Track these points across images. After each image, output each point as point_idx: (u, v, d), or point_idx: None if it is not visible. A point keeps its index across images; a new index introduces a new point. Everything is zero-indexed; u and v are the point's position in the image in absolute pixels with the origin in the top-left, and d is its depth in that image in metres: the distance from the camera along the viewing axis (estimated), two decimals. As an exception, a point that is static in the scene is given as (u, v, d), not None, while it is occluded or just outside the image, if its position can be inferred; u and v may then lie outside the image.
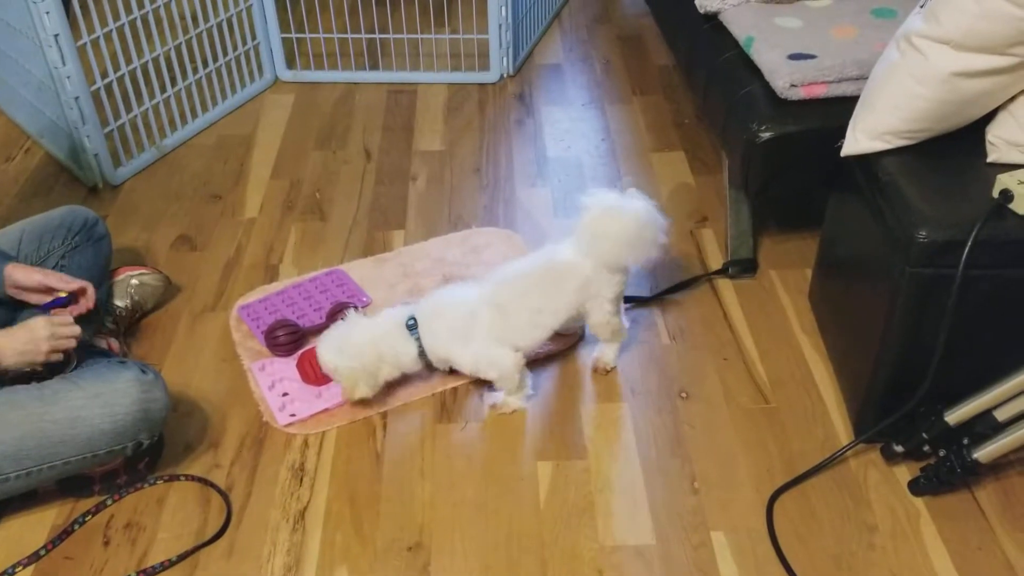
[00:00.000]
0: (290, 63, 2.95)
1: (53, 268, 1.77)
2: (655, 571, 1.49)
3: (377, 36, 3.02)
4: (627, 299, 2.02)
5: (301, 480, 1.66)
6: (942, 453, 1.55)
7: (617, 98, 2.84)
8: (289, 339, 1.88)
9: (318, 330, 1.92)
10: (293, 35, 2.96)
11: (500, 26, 2.85)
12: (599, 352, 1.86)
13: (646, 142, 2.62)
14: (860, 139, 1.60)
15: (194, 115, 2.68)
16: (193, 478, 1.65)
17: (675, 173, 2.48)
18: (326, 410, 1.77)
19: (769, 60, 1.87)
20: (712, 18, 2.17)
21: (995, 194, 1.44)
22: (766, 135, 1.80)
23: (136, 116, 2.51)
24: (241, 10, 2.75)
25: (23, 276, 1.61)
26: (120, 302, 1.94)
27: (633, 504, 1.60)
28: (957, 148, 1.56)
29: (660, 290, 2.05)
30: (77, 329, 1.55)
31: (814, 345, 1.90)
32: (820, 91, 1.81)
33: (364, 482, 1.65)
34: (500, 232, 2.26)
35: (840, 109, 1.79)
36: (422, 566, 1.51)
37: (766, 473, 1.64)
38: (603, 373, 1.84)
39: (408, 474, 1.66)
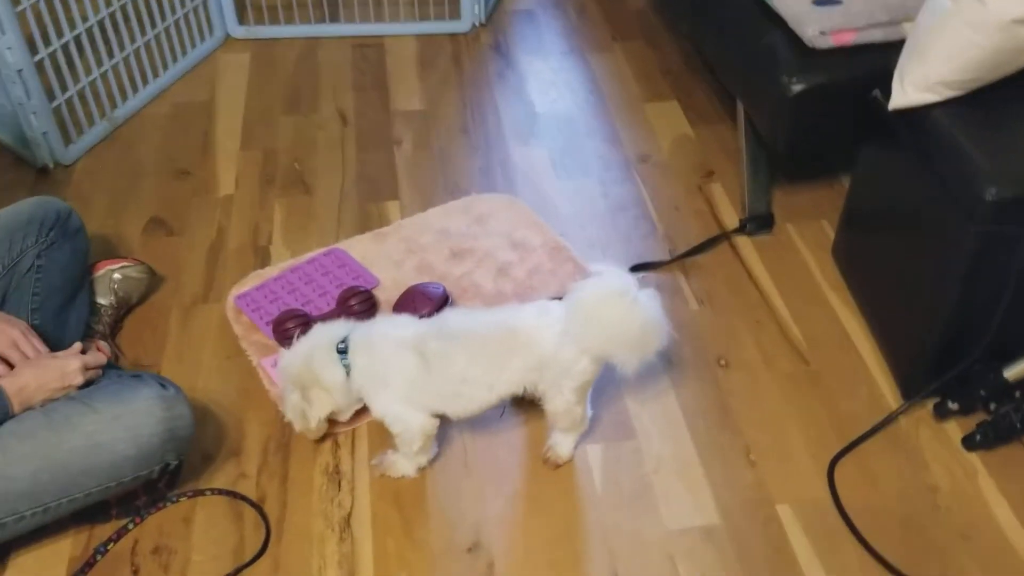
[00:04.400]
0: (242, 18, 2.72)
1: (28, 269, 1.59)
2: (727, 553, 1.44)
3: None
4: (646, 265, 1.94)
5: (339, 484, 1.54)
6: (1000, 409, 1.53)
7: (597, 46, 2.71)
8: (301, 331, 1.72)
9: (329, 318, 1.79)
10: (243, -12, 2.73)
11: (469, -28, 2.69)
12: (553, 441, 1.55)
13: (636, 92, 2.51)
14: (909, 91, 1.54)
15: (144, 81, 2.45)
16: (220, 492, 1.51)
17: (672, 124, 2.39)
18: (352, 405, 1.65)
19: (793, 7, 1.78)
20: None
21: (1059, 146, 1.40)
22: (798, 87, 1.72)
23: (84, 87, 2.28)
24: (187, -37, 2.51)
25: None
26: (103, 300, 1.76)
27: (692, 483, 1.54)
28: (1007, 97, 1.51)
29: (679, 253, 1.98)
30: (104, 357, 1.39)
31: (843, 301, 1.86)
32: (849, 38, 1.74)
33: (406, 481, 1.55)
34: (502, 198, 2.14)
35: (869, 57, 1.73)
36: (486, 568, 1.42)
37: (819, 439, 1.60)
38: (553, 468, 1.55)
39: (451, 469, 1.57)
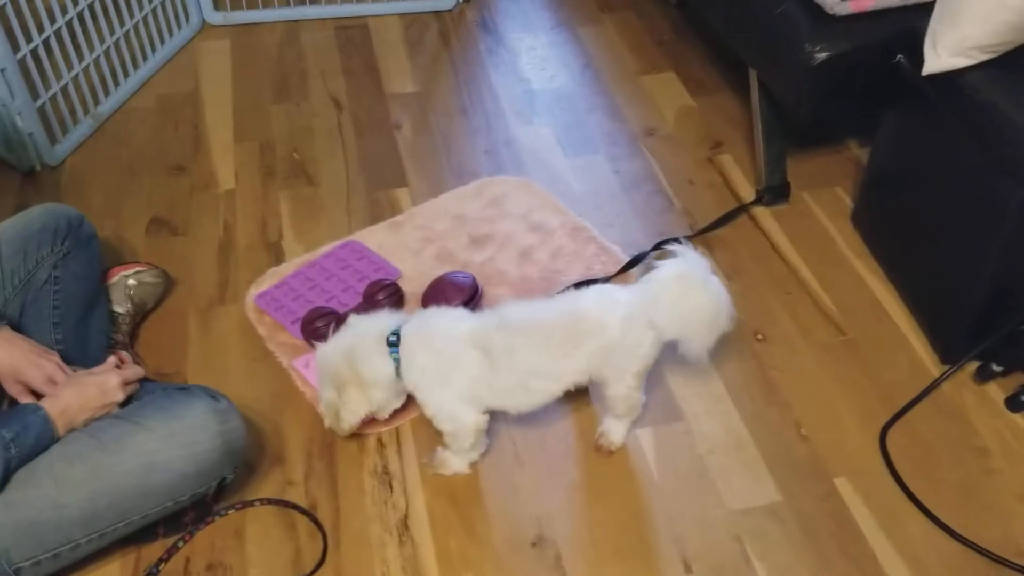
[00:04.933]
0: (217, 3, 2.61)
1: (45, 281, 1.50)
2: (792, 529, 1.44)
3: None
4: (665, 241, 1.92)
5: (391, 486, 1.50)
6: (1043, 369, 1.55)
7: (586, 18, 2.66)
8: (330, 329, 1.66)
9: (357, 313, 1.73)
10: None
11: (453, -53, 2.61)
12: (605, 427, 1.53)
13: (631, 65, 2.47)
14: (943, 56, 1.53)
15: (125, 73, 2.33)
16: (270, 501, 1.46)
17: (673, 96, 2.36)
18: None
19: (809, -27, 1.76)
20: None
21: (1101, 105, 1.40)
22: (821, 56, 1.70)
23: (68, 83, 2.16)
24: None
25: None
26: (120, 308, 1.68)
27: (747, 461, 1.53)
28: (1040, 58, 1.52)
29: (700, 228, 1.96)
30: (141, 370, 1.32)
31: (869, 268, 1.86)
32: (868, 4, 1.72)
33: (459, 478, 1.51)
34: (515, 180, 2.09)
35: (888, 21, 1.72)
36: (553, 561, 1.40)
37: (866, 409, 1.61)
38: (607, 455, 1.54)
39: (503, 462, 1.53)
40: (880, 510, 1.46)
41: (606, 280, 1.82)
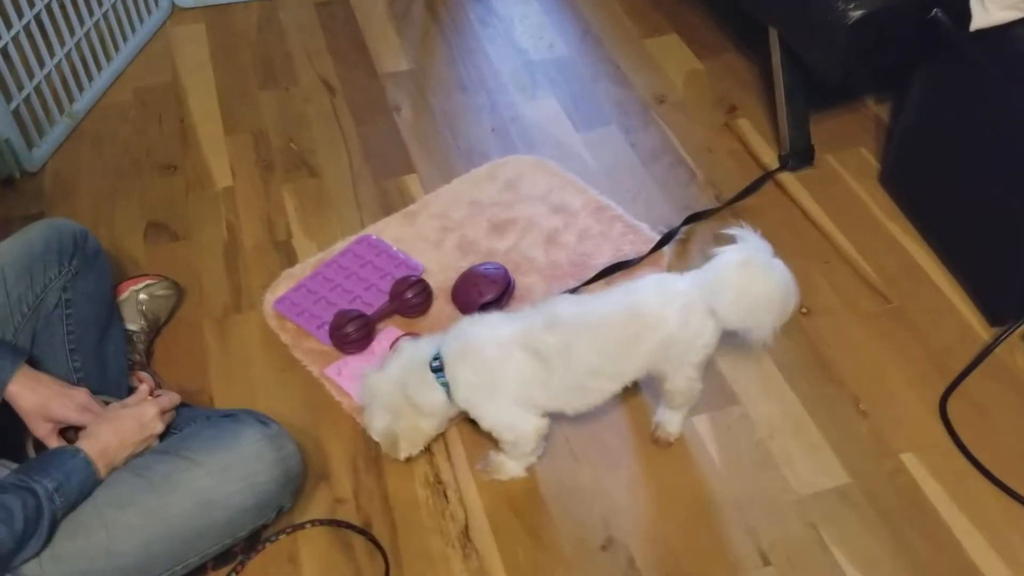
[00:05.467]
0: (190, -15, 2.46)
1: (56, 306, 1.38)
2: (865, 511, 1.39)
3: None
4: (698, 215, 1.85)
5: (445, 495, 1.43)
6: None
7: (580, -18, 2.56)
8: (361, 333, 1.58)
9: (386, 314, 1.65)
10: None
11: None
12: (661, 419, 1.48)
13: (631, 28, 2.38)
14: (991, 10, 1.47)
15: (98, 67, 2.18)
16: (321, 522, 1.38)
17: (679, 60, 2.27)
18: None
19: (834, -73, 1.68)
20: None
21: None
22: (856, 14, 1.62)
23: (41, 82, 2.01)
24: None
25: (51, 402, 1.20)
26: (133, 325, 1.57)
27: (810, 443, 1.48)
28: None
29: (727, 199, 1.89)
30: (177, 397, 1.22)
31: (904, 230, 1.81)
32: (900, -42, 1.65)
33: (517, 483, 1.44)
34: (528, 159, 2.00)
35: (922, -25, 1.65)
36: (627, 564, 1.34)
37: (921, 379, 1.57)
38: (665, 446, 1.48)
39: (560, 463, 1.46)
40: (950, 483, 1.42)
41: (638, 261, 1.75)
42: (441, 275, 1.73)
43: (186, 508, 1.13)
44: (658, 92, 2.19)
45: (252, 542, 1.33)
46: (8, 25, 1.91)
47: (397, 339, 1.57)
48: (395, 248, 1.78)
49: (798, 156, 1.96)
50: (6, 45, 1.90)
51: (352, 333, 1.58)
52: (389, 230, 1.84)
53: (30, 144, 1.97)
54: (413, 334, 1.58)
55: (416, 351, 1.35)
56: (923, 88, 1.72)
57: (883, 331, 1.65)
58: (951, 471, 1.44)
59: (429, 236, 1.83)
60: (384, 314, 1.64)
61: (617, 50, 2.32)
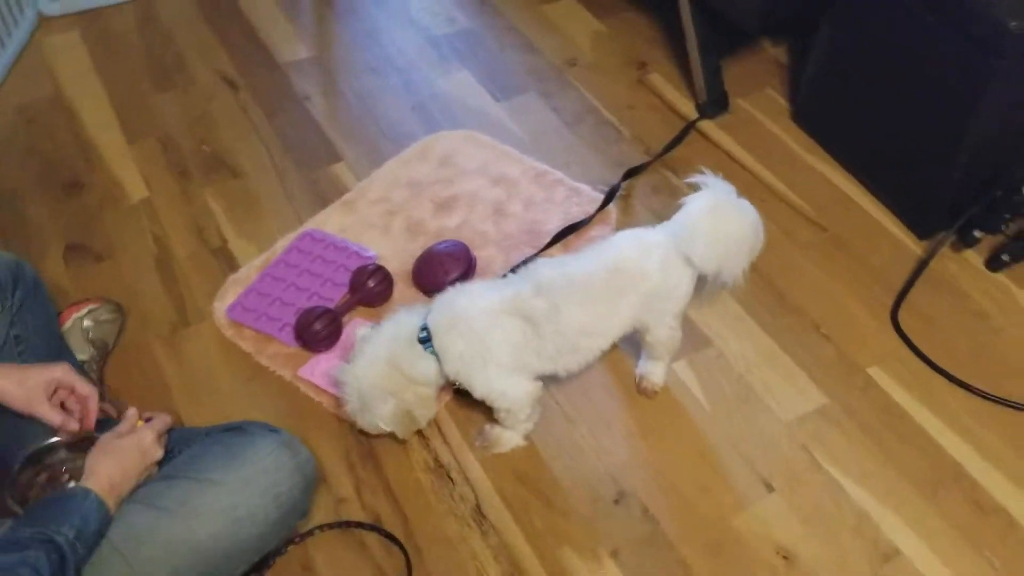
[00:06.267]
0: (55, -10, 2.28)
1: (4, 344, 1.27)
2: (847, 427, 1.47)
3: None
4: (635, 170, 1.88)
5: (450, 477, 1.41)
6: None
7: (464, -46, 2.54)
8: (330, 329, 1.53)
9: (350, 307, 1.60)
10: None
11: None
12: (644, 370, 1.51)
13: (527, -4, 2.39)
14: (897, -58, 1.56)
15: (-31, 87, 2.01)
16: (330, 526, 1.33)
17: (580, 22, 2.30)
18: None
19: None
20: None
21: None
22: (766, -41, 1.70)
23: (-86, 107, 1.83)
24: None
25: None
26: (83, 355, 1.46)
27: (785, 372, 1.55)
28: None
29: (657, 152, 1.93)
30: (168, 417, 1.15)
31: (824, 161, 1.91)
32: (798, -99, 1.73)
33: (517, 452, 1.44)
34: (456, 134, 1.98)
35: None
36: (641, 513, 1.37)
37: (870, 297, 1.66)
38: (652, 396, 1.51)
39: (556, 426, 1.47)
40: (916, 390, 1.52)
41: (589, 220, 1.77)
42: (395, 260, 1.70)
43: (213, 530, 1.07)
44: (568, 56, 2.20)
45: (260, 561, 1.28)
46: None
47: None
48: (341, 238, 1.73)
49: (715, 104, 2.02)
50: None
51: (321, 330, 1.53)
52: (331, 221, 1.78)
53: (-87, 177, 1.80)
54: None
55: (400, 326, 1.33)
56: (832, 26, 1.80)
57: (825, 257, 1.73)
58: (915, 377, 1.54)
59: (374, 222, 1.79)
60: (348, 307, 1.60)
61: (518, 18, 2.32)
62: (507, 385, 1.35)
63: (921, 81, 1.64)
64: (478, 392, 1.35)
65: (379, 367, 1.31)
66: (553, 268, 1.35)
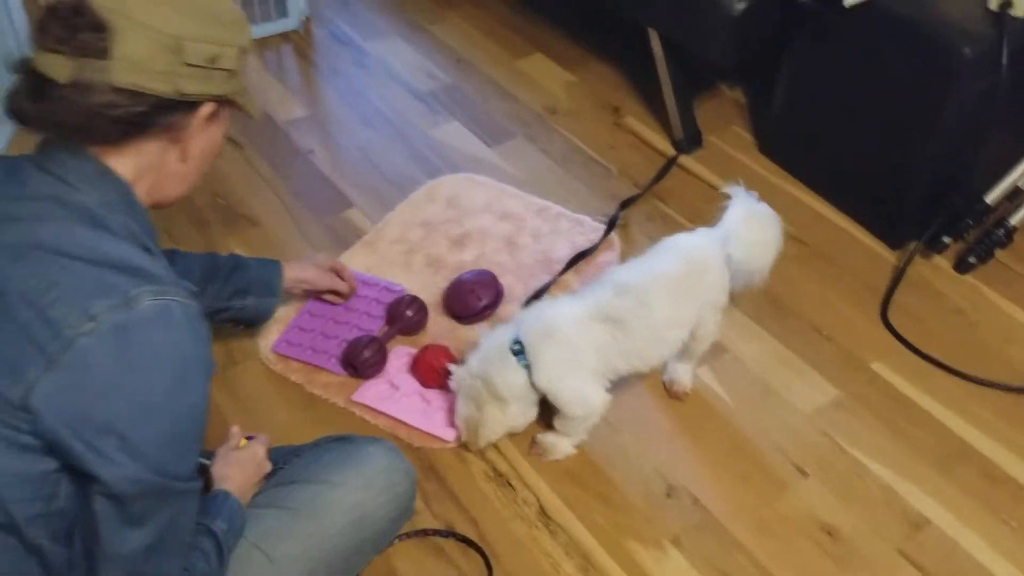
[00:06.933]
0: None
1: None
2: (862, 415, 1.62)
3: None
4: (627, 202, 2.03)
5: (511, 485, 1.49)
6: (988, 229, 1.85)
7: (431, 17, 2.68)
8: (378, 356, 1.61)
9: (392, 335, 1.68)
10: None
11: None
12: (673, 376, 1.63)
13: (498, 52, 2.55)
14: (859, -11, 1.78)
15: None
16: (408, 535, 1.39)
17: (551, 74, 2.47)
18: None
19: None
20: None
21: (993, 7, 1.71)
22: (740, 6, 1.89)
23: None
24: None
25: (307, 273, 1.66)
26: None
27: (797, 370, 1.70)
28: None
29: (646, 184, 2.09)
30: (268, 438, 1.22)
31: (795, 186, 2.10)
32: (763, -44, 1.94)
33: (568, 458, 1.53)
34: (457, 178, 2.10)
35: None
36: (692, 503, 1.48)
37: (858, 301, 1.84)
38: (683, 397, 1.63)
39: (599, 432, 1.56)
40: (916, 379, 1.69)
41: (596, 247, 1.91)
42: (422, 292, 1.79)
43: (341, 527, 1.13)
44: (546, 104, 2.37)
45: (347, 570, 1.33)
46: None
47: (424, 352, 1.62)
48: (370, 275, 1.82)
49: (690, 140, 2.21)
50: None
51: (371, 357, 1.60)
52: (355, 261, 1.87)
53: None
54: (440, 348, 1.63)
55: (494, 339, 1.43)
56: (795, 63, 2.02)
57: (812, 268, 1.91)
58: (912, 369, 1.71)
59: (396, 260, 1.88)
60: (390, 336, 1.68)
61: (493, 73, 2.48)
62: (590, 393, 1.46)
63: (882, 105, 1.85)
64: (563, 398, 1.45)
65: (470, 376, 1.44)
66: (627, 270, 1.50)
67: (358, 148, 2.20)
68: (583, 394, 1.45)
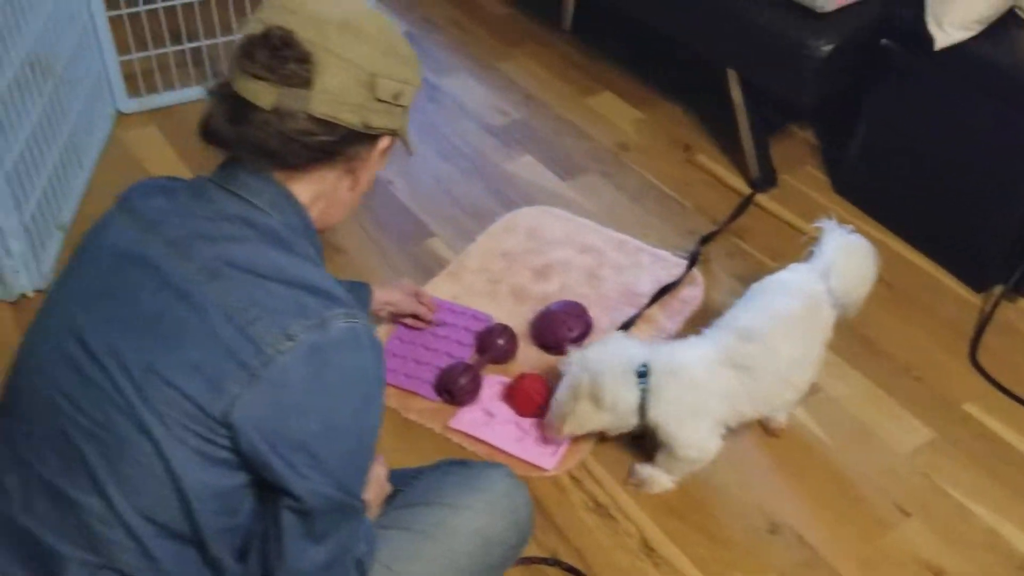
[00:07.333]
0: (131, 89, 2.36)
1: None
2: (957, 457, 1.61)
3: (211, 41, 2.50)
4: (707, 238, 2.04)
5: (611, 516, 1.48)
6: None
7: (499, 55, 2.71)
8: (473, 384, 1.62)
9: (483, 364, 1.68)
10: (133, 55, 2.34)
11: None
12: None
13: (566, 90, 2.57)
14: (950, 32, 1.79)
15: (66, 183, 2.03)
16: (518, 562, 1.37)
17: (621, 112, 2.49)
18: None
19: (790, -22, 1.97)
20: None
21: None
22: (827, 48, 1.91)
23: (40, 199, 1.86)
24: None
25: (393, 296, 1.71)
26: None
27: (889, 410, 1.69)
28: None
29: (723, 221, 2.10)
30: (382, 458, 1.22)
31: (875, 227, 2.09)
32: (845, 1, 1.96)
33: (667, 491, 1.52)
34: (535, 210, 2.12)
35: (867, 11, 1.97)
36: (797, 540, 1.46)
37: (946, 343, 1.82)
38: (780, 435, 1.62)
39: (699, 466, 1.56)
40: (1008, 420, 1.68)
41: (679, 282, 1.91)
42: (508, 322, 1.78)
43: (469, 549, 1.12)
44: (617, 141, 2.39)
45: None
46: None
47: (521, 382, 1.62)
48: (457, 304, 1.83)
49: (765, 178, 2.22)
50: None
51: (467, 384, 1.61)
52: (440, 290, 1.88)
53: (36, 260, 1.82)
54: (538, 379, 1.63)
55: (623, 349, 1.44)
56: (876, 104, 2.03)
57: (898, 309, 1.90)
58: (1005, 410, 1.70)
59: (481, 290, 1.89)
60: (482, 364, 1.68)
61: (563, 110, 2.51)
62: (708, 438, 1.45)
63: (969, 150, 1.86)
64: (681, 439, 1.44)
65: (581, 368, 1.44)
66: (748, 314, 1.48)
67: (436, 180, 2.22)
68: (701, 439, 1.44)
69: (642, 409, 1.42)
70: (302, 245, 0.98)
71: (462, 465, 1.23)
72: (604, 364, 1.42)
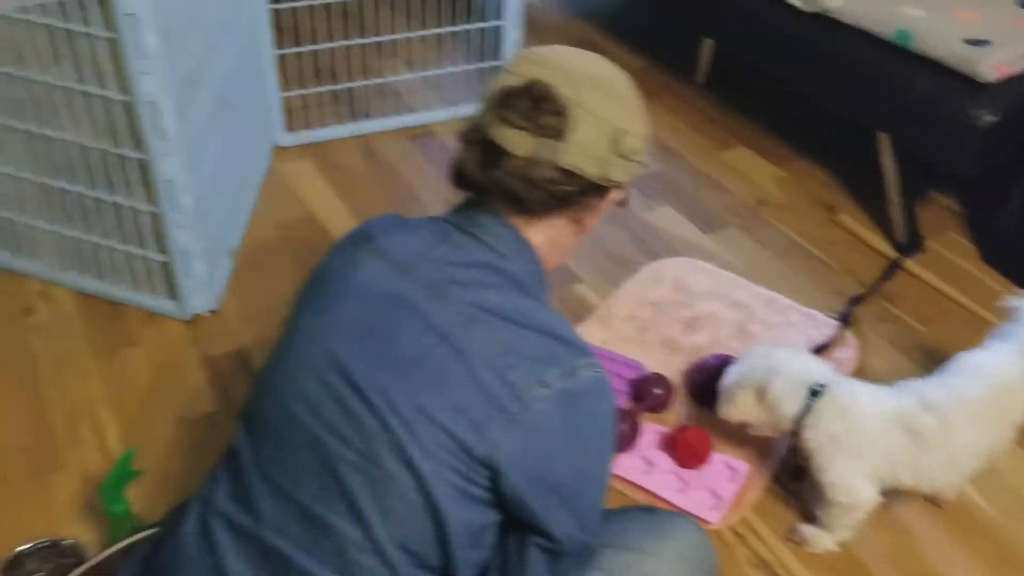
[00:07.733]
0: (290, 124, 2.48)
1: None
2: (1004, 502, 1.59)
3: (359, 84, 2.61)
4: (857, 298, 2.04)
5: (776, 573, 1.48)
6: None
7: (640, 106, 2.78)
8: (633, 431, 1.64)
9: (639, 411, 1.70)
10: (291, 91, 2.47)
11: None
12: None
13: (704, 144, 2.61)
14: (1125, 106, 1.79)
15: (235, 210, 2.15)
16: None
17: (760, 168, 2.51)
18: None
19: (950, 48, 1.97)
20: (810, 18, 2.22)
21: None
22: (990, 118, 1.91)
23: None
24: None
25: None
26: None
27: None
28: None
29: (873, 284, 2.10)
30: None
31: (1026, 298, 2.09)
32: (1012, 70, 1.96)
33: (831, 552, 1.52)
34: (679, 261, 2.14)
35: (1026, 83, 1.97)
36: (965, 614, 1.44)
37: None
38: (942, 505, 1.60)
39: (863, 530, 1.53)
40: None
41: (831, 343, 1.91)
42: (660, 371, 1.81)
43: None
44: (757, 196, 2.41)
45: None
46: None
47: (683, 433, 1.64)
48: (608, 349, 1.86)
49: (912, 243, 2.21)
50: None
51: (626, 431, 1.63)
52: (592, 334, 1.91)
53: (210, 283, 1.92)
54: (702, 432, 1.65)
55: (808, 363, 1.48)
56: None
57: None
58: None
59: (630, 337, 1.92)
60: (638, 411, 1.70)
61: (701, 163, 2.54)
62: (858, 484, 1.44)
63: None
64: (829, 477, 1.44)
65: (760, 369, 1.49)
66: (937, 386, 1.47)
67: (580, 226, 2.27)
68: (851, 482, 1.43)
69: (799, 423, 1.44)
70: (538, 291, 1.03)
71: (646, 511, 1.25)
72: (784, 366, 1.46)
